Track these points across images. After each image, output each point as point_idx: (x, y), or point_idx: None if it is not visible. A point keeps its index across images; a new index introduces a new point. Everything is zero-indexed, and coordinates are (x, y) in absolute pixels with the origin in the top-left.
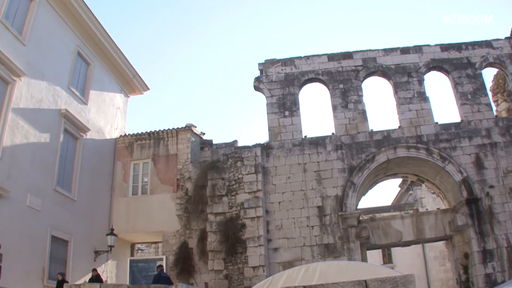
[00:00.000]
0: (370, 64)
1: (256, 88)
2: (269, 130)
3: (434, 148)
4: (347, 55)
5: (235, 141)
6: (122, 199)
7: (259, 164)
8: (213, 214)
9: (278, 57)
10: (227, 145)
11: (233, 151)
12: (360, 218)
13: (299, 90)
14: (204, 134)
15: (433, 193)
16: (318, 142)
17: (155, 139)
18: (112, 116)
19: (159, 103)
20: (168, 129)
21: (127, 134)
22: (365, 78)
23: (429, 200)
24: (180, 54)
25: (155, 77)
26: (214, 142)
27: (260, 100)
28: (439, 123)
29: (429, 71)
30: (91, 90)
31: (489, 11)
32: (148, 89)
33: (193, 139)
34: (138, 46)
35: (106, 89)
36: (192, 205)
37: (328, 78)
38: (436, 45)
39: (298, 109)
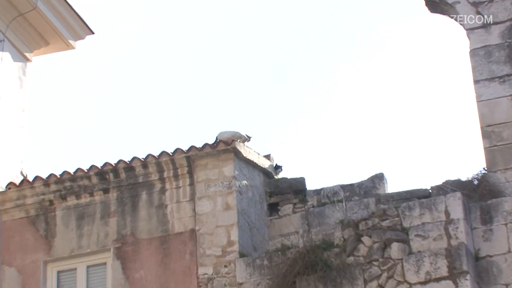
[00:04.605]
0: None
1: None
2: (485, 135)
3: None
4: None
5: (378, 178)
6: None
7: (462, 248)
8: None
9: None
10: (352, 189)
11: (372, 212)
12: None
13: None
14: (277, 165)
15: None
16: None
17: (121, 188)
18: None
19: (133, 78)
20: (164, 152)
21: (29, 178)
22: None
23: None
24: None
25: (120, 11)
26: (309, 185)
27: (440, 42)
28: None
29: None
30: None
31: None
32: (92, 32)
33: (244, 182)
34: None
35: None
36: None
37: None
38: None
39: None
